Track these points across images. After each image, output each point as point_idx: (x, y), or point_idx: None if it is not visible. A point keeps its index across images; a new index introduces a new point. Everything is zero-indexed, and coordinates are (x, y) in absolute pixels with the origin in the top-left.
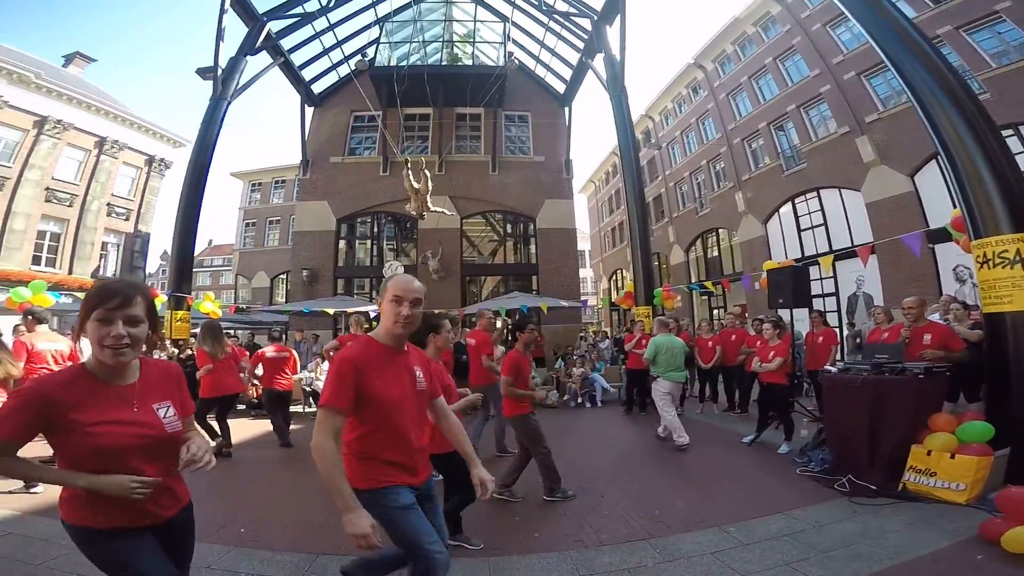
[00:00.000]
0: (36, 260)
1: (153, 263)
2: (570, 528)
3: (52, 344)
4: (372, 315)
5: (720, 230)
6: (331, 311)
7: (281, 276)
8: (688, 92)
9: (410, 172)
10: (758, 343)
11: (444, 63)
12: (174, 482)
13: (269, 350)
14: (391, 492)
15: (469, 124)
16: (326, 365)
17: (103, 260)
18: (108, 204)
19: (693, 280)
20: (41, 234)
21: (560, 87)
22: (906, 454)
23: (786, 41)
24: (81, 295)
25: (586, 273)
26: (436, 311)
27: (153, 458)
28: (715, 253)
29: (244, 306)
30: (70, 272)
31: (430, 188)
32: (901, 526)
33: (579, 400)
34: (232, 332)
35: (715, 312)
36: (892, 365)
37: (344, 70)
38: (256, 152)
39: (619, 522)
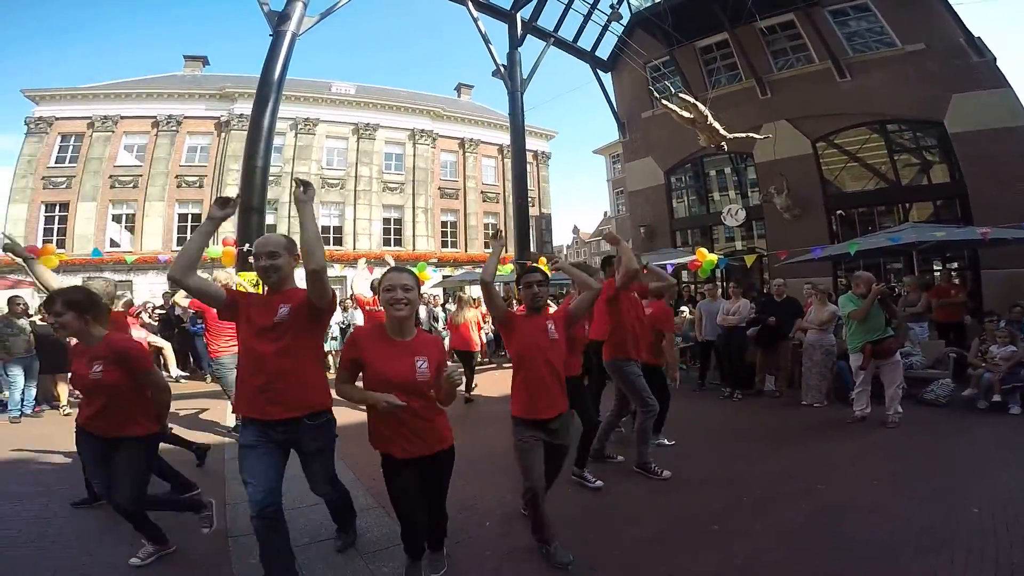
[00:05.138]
0: (486, 245)
1: (564, 237)
2: None
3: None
4: (669, 269)
5: None
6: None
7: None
8: None
9: (673, 107)
10: None
11: None
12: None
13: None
14: None
15: (783, 35)
16: None
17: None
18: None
19: None
20: (485, 225)
21: None
22: None
23: None
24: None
25: None
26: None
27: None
28: None
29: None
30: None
31: (707, 113)
32: None
33: (995, 398)
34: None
35: None
36: None
37: (617, 28)
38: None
39: None
